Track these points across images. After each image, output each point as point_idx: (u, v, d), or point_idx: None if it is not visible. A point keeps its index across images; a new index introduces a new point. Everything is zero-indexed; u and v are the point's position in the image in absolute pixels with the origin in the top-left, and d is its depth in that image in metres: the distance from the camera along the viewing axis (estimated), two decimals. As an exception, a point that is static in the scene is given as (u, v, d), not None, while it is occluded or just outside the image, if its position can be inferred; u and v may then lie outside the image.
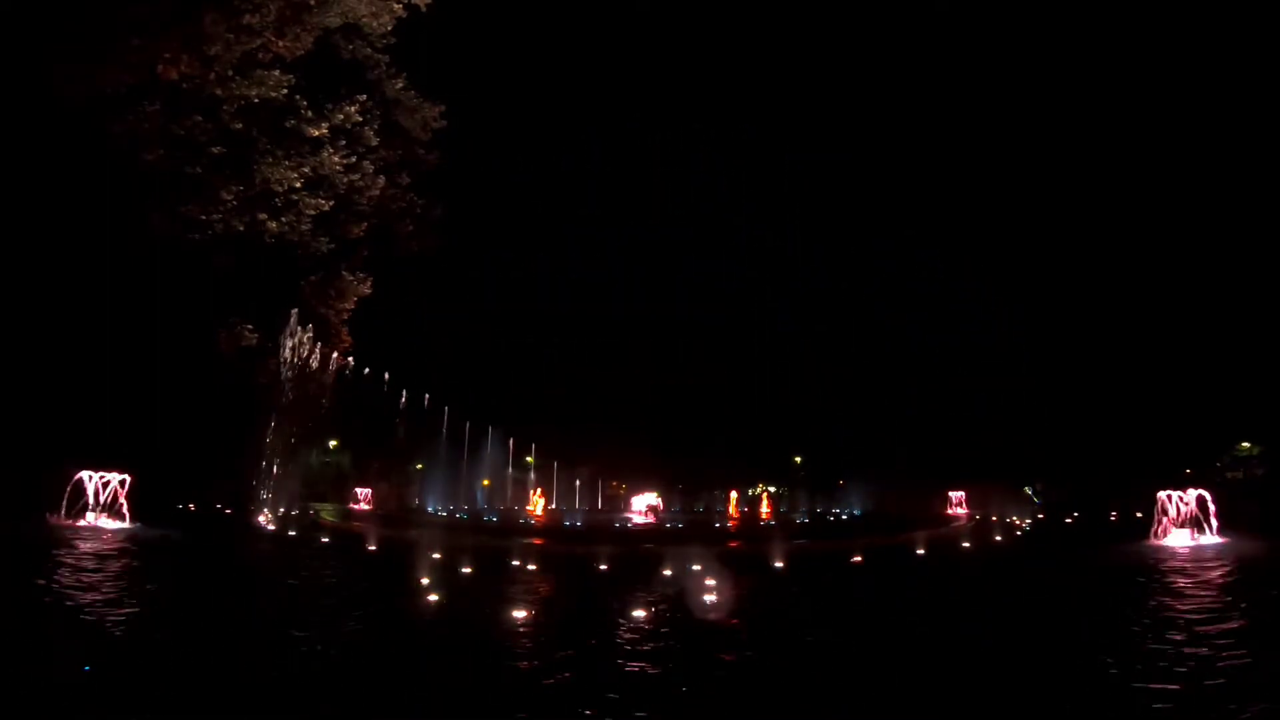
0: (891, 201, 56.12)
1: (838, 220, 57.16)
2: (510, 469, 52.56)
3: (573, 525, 28.74)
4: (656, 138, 58.63)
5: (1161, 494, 23.36)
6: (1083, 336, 47.77)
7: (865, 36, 54.69)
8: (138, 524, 23.13)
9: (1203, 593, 12.19)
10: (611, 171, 56.31)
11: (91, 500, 24.31)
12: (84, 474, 24.60)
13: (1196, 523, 21.96)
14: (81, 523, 22.58)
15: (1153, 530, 22.57)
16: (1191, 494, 23.01)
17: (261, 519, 27.90)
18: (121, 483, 24.94)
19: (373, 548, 19.51)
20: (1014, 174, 50.11)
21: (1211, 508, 22.15)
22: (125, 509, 24.36)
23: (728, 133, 61.16)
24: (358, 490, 42.86)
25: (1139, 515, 21.87)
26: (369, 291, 33.55)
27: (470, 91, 42.69)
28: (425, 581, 12.49)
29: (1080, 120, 49.66)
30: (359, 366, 36.72)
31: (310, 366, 32.68)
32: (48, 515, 22.67)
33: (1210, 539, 20.55)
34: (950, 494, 45.49)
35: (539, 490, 45.88)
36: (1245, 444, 39.62)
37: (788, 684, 7.32)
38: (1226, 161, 43.77)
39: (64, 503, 23.64)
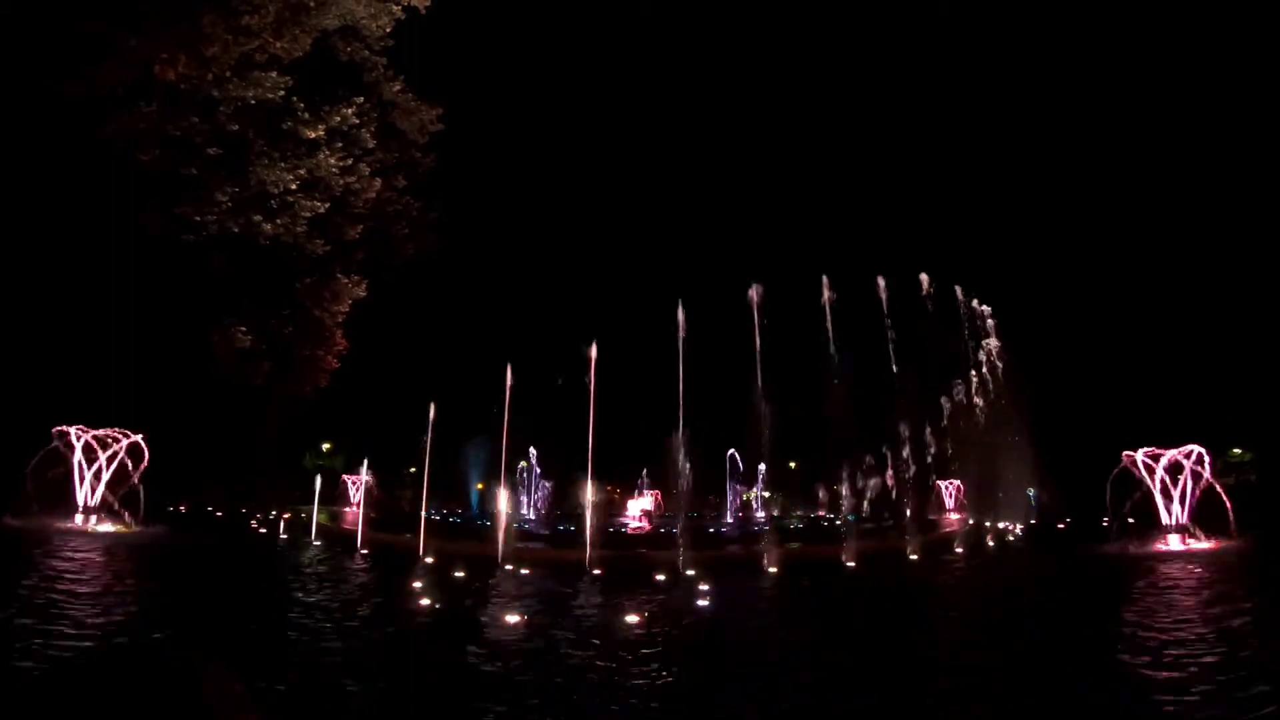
0: (887, 205, 56.08)
1: (835, 223, 57.04)
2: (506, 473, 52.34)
3: (566, 530, 28.64)
4: (655, 139, 58.49)
5: (1137, 456, 21.00)
6: (1075, 340, 47.89)
7: (857, 37, 54.87)
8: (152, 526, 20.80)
9: (1205, 600, 12.20)
10: (610, 173, 56.21)
11: (79, 468, 20.30)
12: (70, 430, 20.68)
13: (1189, 525, 20.43)
14: (72, 524, 20.04)
15: (1125, 506, 20.98)
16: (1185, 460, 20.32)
17: (253, 522, 27.78)
18: (134, 450, 21.30)
19: (364, 551, 19.44)
20: (1000, 181, 50.16)
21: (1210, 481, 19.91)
22: (138, 496, 20.81)
23: (726, 132, 61.18)
24: (346, 479, 41.67)
25: (1132, 520, 21.74)
26: (364, 294, 33.50)
27: (468, 94, 42.65)
28: (417, 585, 12.45)
29: (1071, 124, 49.85)
30: (355, 369, 36.63)
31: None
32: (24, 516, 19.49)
33: (1205, 543, 19.98)
34: (941, 484, 45.44)
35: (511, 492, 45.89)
36: (1237, 450, 39.72)
37: (781, 687, 7.30)
38: (1216, 170, 44.01)
39: (28, 485, 19.67)
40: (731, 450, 48.78)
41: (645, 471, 47.47)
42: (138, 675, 1.40)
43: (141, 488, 21.84)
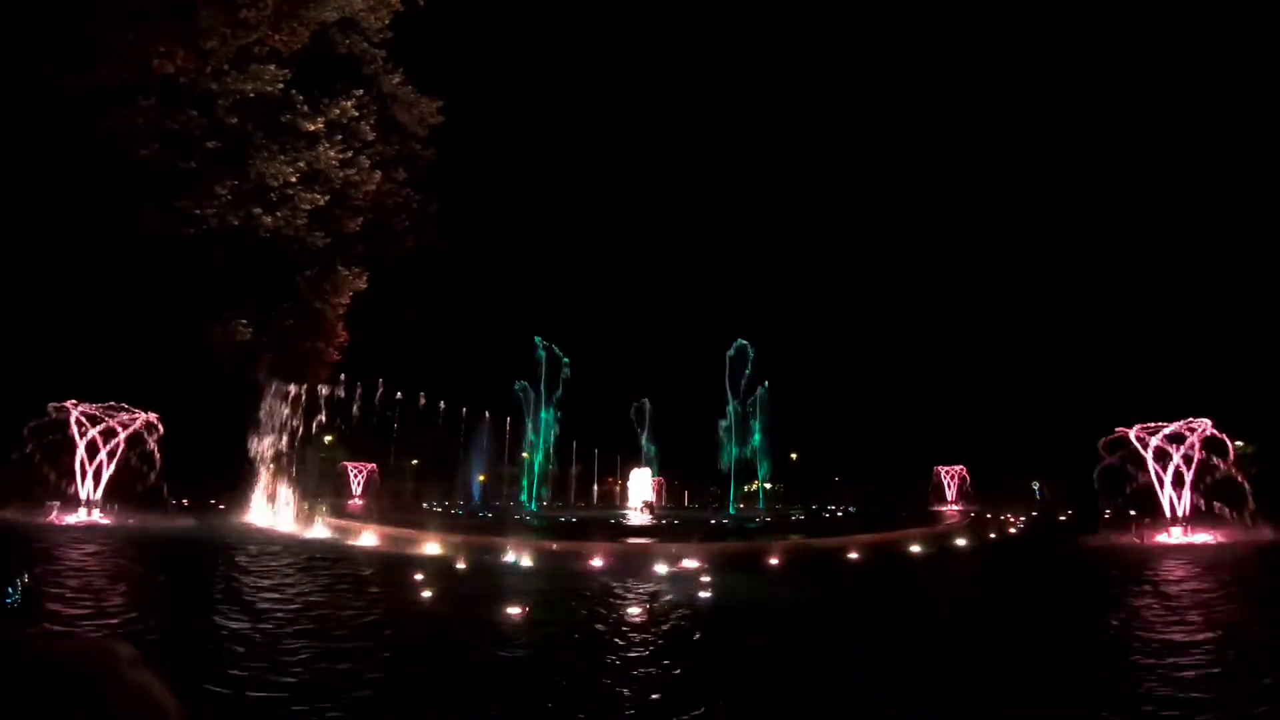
0: (889, 213, 55.84)
1: (830, 225, 56.87)
2: (507, 464, 52.52)
3: (568, 521, 28.74)
4: (653, 128, 58.40)
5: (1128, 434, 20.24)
6: (1076, 334, 47.92)
7: (853, 36, 54.76)
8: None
9: (1202, 597, 12.20)
10: (609, 167, 56.20)
11: (80, 455, 19.38)
12: (69, 407, 19.54)
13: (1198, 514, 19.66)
14: (71, 519, 19.45)
15: (1094, 484, 20.44)
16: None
17: (255, 515, 27.84)
18: (149, 434, 20.16)
19: (366, 543, 19.49)
20: (1005, 181, 50.05)
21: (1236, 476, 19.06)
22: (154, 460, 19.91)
23: (723, 126, 61.17)
24: (348, 465, 41.71)
25: (1133, 513, 21.73)
26: (365, 286, 33.51)
27: (469, 87, 42.63)
28: (420, 577, 12.49)
29: (1076, 112, 49.72)
30: (355, 361, 36.66)
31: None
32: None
33: (1206, 535, 19.87)
34: (941, 471, 45.41)
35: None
36: (1239, 443, 39.69)
37: (778, 682, 7.33)
38: (1217, 166, 43.93)
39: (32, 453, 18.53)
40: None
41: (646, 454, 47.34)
42: (30, 670, 1.21)
43: (159, 459, 21.03)
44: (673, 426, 50.52)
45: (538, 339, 44.69)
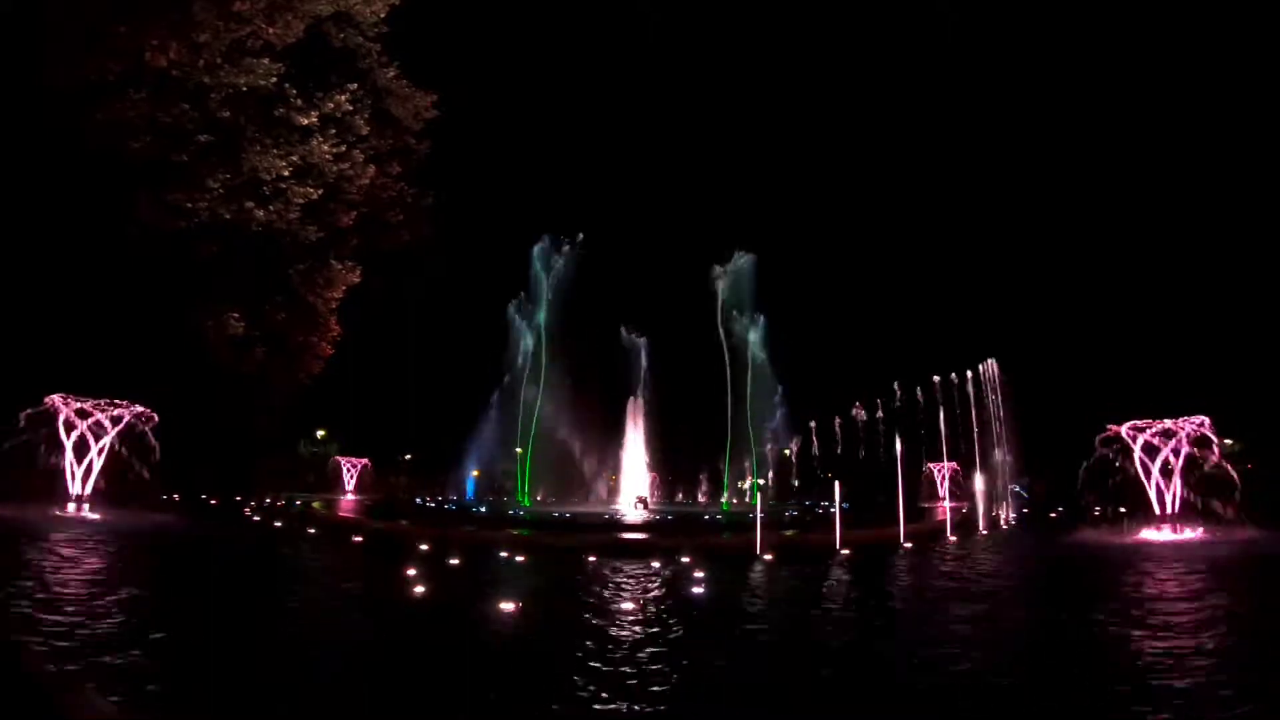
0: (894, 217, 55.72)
1: (830, 224, 56.76)
2: (500, 460, 52.47)
3: (561, 516, 28.77)
4: (648, 128, 58.31)
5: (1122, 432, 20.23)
6: (1071, 332, 48.05)
7: (851, 32, 54.79)
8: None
9: (1196, 594, 12.29)
10: (605, 161, 56.08)
11: (67, 443, 19.12)
12: (55, 401, 19.26)
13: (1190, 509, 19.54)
14: (60, 513, 19.14)
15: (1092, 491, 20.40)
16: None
17: (247, 510, 27.75)
18: (143, 422, 20.20)
19: (359, 539, 19.47)
20: (1002, 179, 50.08)
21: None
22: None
23: (718, 123, 61.14)
24: (340, 460, 41.44)
25: (1122, 510, 21.85)
26: (358, 280, 33.47)
27: (464, 80, 42.40)
28: (412, 573, 12.48)
29: (1065, 110, 49.78)
30: (349, 355, 36.59)
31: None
32: None
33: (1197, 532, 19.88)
34: (932, 467, 45.59)
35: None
36: (1229, 441, 39.94)
37: (778, 676, 7.36)
38: (1215, 165, 44.05)
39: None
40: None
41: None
42: None
43: (154, 453, 20.89)
44: (670, 424, 50.65)
45: (536, 328, 44.65)
